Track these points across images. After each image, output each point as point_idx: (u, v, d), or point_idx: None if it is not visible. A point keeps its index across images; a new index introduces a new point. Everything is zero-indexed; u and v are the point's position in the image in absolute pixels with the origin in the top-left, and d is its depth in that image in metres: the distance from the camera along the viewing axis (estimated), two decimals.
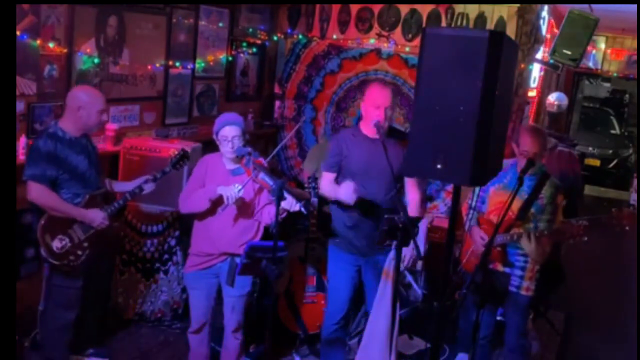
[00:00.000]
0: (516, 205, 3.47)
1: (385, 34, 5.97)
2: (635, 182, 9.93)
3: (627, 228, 3.29)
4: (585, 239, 3.34)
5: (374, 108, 3.44)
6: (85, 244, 3.51)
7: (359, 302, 3.99)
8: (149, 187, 3.72)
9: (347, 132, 3.73)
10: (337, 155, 3.60)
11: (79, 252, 3.49)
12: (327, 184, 3.63)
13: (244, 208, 3.53)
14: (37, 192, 3.37)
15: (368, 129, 3.54)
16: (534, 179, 3.56)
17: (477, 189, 3.72)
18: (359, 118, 3.74)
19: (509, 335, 3.75)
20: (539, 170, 3.60)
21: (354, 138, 3.59)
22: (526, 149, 3.50)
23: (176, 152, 3.90)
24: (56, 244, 3.42)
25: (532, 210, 3.53)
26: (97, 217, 3.50)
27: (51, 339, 3.63)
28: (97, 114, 3.51)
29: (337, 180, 3.60)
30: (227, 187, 3.37)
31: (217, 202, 3.42)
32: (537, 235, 3.41)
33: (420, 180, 3.64)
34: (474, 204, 3.79)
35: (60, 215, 3.43)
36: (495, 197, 3.66)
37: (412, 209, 3.57)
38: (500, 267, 3.66)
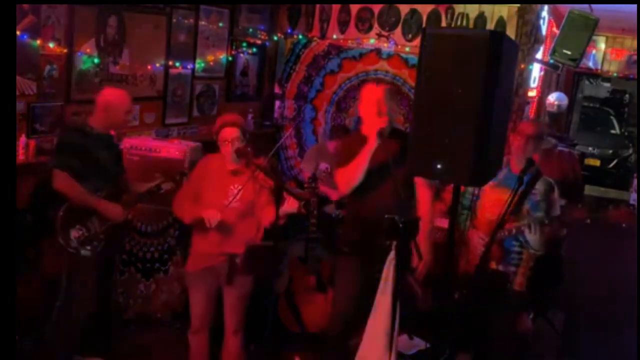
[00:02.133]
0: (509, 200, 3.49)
1: (385, 34, 5.97)
2: (635, 182, 9.92)
3: (623, 225, 3.31)
4: (588, 221, 3.38)
5: (369, 106, 3.42)
6: (102, 236, 3.64)
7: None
8: (167, 187, 3.90)
9: (350, 137, 3.70)
10: (348, 150, 3.50)
11: (95, 243, 3.62)
12: (344, 169, 3.47)
13: (245, 208, 3.53)
14: (62, 181, 3.50)
15: (368, 132, 3.46)
16: (528, 176, 3.58)
17: (469, 189, 3.73)
18: (358, 120, 3.73)
19: (506, 331, 3.76)
20: (533, 168, 3.62)
21: (356, 142, 3.50)
22: (527, 132, 3.60)
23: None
24: (74, 234, 3.55)
25: (527, 206, 3.54)
26: (115, 210, 3.65)
27: (62, 337, 3.69)
28: (122, 113, 3.71)
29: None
30: (210, 211, 3.37)
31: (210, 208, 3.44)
32: (539, 224, 3.41)
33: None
34: (469, 203, 3.80)
35: (81, 205, 3.55)
36: (490, 195, 3.67)
37: (423, 209, 3.55)
38: (494, 265, 3.68)
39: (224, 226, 3.44)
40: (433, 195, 3.66)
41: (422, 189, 3.61)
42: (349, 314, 3.61)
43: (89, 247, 3.59)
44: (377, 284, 3.40)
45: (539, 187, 3.59)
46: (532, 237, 3.44)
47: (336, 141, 4.76)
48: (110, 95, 3.70)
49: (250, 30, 6.21)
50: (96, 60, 4.43)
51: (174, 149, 4.41)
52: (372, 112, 3.42)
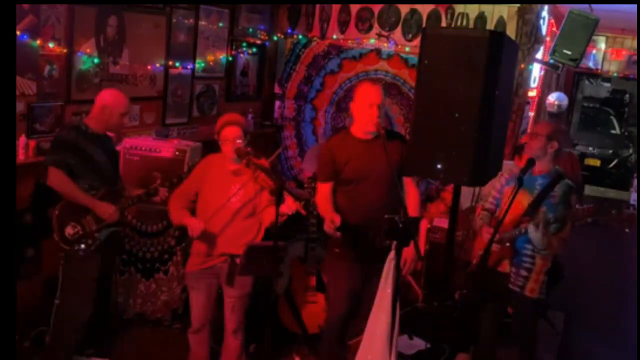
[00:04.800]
0: (527, 202, 3.49)
1: (385, 34, 5.97)
2: (635, 182, 9.93)
3: (627, 230, 3.29)
4: (590, 220, 3.37)
5: (367, 106, 3.35)
6: (97, 234, 3.63)
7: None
8: (162, 193, 3.87)
9: (337, 138, 3.59)
10: (330, 164, 3.46)
11: (90, 242, 3.61)
12: (321, 198, 3.49)
13: (245, 208, 3.53)
14: (56, 178, 3.51)
15: (359, 131, 3.45)
16: (547, 178, 3.57)
17: (493, 192, 3.75)
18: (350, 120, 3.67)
19: (515, 337, 3.76)
20: (553, 170, 3.62)
21: (344, 143, 3.47)
22: (537, 131, 3.59)
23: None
24: (68, 231, 3.56)
25: (544, 208, 3.51)
26: (108, 209, 3.64)
27: (62, 337, 3.69)
28: (119, 115, 3.69)
29: (335, 189, 3.51)
30: (194, 220, 3.41)
31: (210, 208, 3.46)
32: (545, 223, 3.37)
33: (418, 179, 3.62)
34: (487, 205, 3.81)
35: (75, 202, 3.56)
36: (509, 196, 3.68)
37: (412, 209, 3.55)
38: (507, 268, 3.65)
39: (207, 235, 3.45)
40: (421, 194, 3.66)
41: (411, 188, 3.60)
42: (343, 315, 3.60)
43: (83, 245, 3.59)
44: (374, 284, 3.43)
45: (558, 189, 3.54)
46: (535, 234, 3.42)
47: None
48: (107, 97, 3.69)
49: (250, 30, 6.21)
50: (96, 60, 4.43)
51: (174, 149, 4.41)
52: (368, 112, 3.38)
